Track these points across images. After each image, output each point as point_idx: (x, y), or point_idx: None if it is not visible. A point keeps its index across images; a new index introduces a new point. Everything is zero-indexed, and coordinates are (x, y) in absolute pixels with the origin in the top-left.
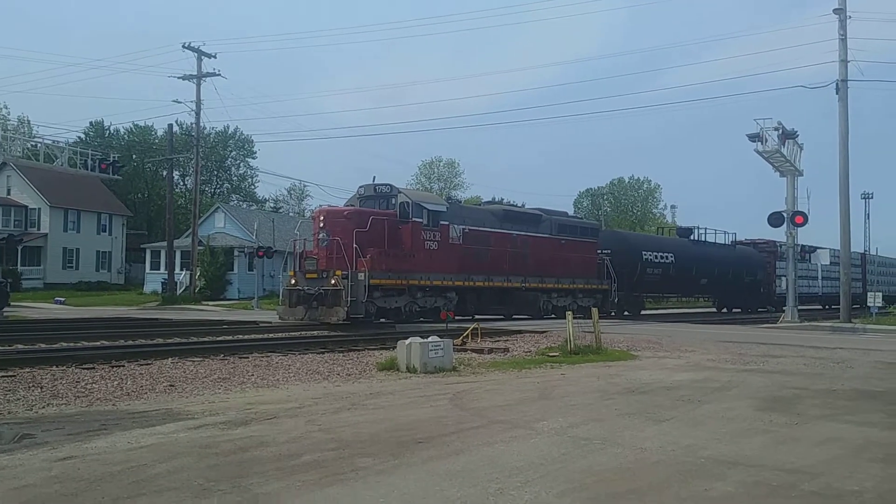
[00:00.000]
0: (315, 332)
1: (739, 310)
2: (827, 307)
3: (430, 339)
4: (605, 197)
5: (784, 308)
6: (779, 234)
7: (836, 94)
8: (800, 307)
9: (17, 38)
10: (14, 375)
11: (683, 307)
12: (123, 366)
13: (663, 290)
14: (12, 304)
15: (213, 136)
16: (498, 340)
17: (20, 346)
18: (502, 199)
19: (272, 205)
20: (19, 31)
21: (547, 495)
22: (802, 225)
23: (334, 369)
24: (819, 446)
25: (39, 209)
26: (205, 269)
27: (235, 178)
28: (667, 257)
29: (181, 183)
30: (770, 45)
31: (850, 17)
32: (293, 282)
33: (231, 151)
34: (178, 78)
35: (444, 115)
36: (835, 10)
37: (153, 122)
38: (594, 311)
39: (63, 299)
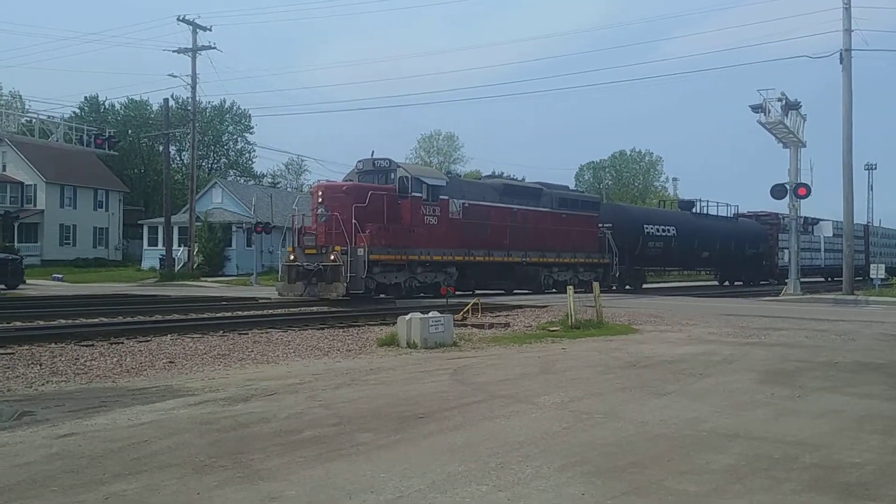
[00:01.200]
0: (314, 308)
1: (742, 283)
2: (829, 279)
3: (430, 314)
4: (607, 170)
5: (786, 281)
6: (781, 207)
7: (840, 63)
8: (802, 280)
9: (6, 12)
10: (13, 353)
11: (685, 281)
12: (122, 343)
13: (665, 264)
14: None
15: (210, 111)
16: (498, 315)
17: (18, 324)
18: (502, 173)
19: (270, 180)
20: (9, 3)
21: (548, 469)
22: (805, 197)
23: (334, 345)
24: (820, 418)
25: (35, 185)
26: (203, 245)
27: (233, 153)
28: (668, 230)
29: (178, 158)
30: (774, 14)
31: None
32: (292, 257)
33: (228, 126)
34: (174, 52)
35: (443, 87)
36: None
37: (149, 97)
38: (595, 285)
39: (61, 276)
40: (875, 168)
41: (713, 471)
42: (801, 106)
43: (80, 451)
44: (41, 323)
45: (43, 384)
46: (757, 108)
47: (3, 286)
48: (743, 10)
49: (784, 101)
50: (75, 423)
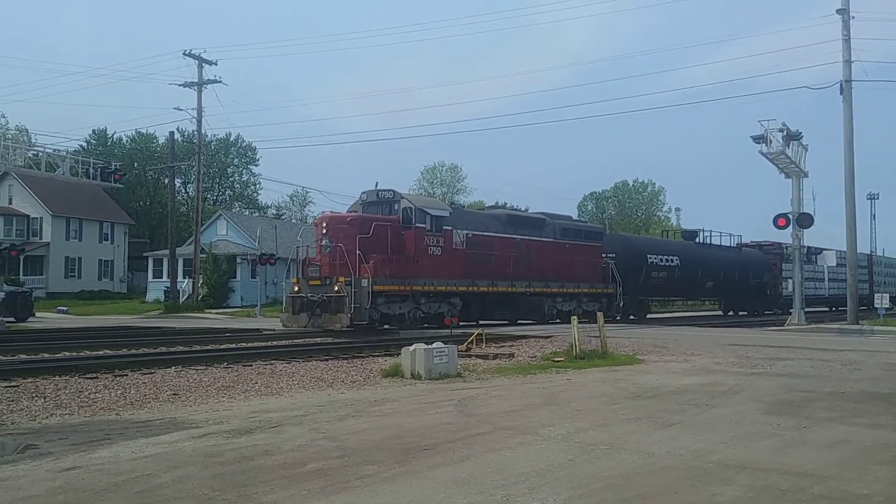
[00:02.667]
0: (319, 339)
1: (746, 312)
2: (834, 309)
3: (434, 345)
4: (610, 200)
5: (791, 310)
6: (785, 236)
7: (841, 94)
8: (806, 309)
9: (13, 47)
10: (17, 386)
11: (689, 310)
12: (127, 375)
13: (669, 294)
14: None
15: (215, 144)
16: (503, 346)
17: (23, 356)
18: (505, 204)
19: (274, 211)
20: (16, 39)
21: (554, 501)
22: (808, 227)
23: (338, 376)
24: (827, 449)
25: (41, 218)
26: (207, 276)
27: (238, 185)
28: (672, 260)
29: (183, 191)
30: (774, 47)
31: (853, 17)
32: (296, 289)
33: (233, 159)
34: (180, 85)
35: (447, 119)
36: (838, 11)
37: (155, 130)
38: (599, 315)
39: (66, 308)
40: (877, 198)
41: (720, 503)
42: (802, 136)
43: (83, 484)
44: (45, 355)
45: (47, 417)
46: (758, 139)
47: (12, 319)
48: (746, 42)
49: (785, 132)
50: (79, 456)
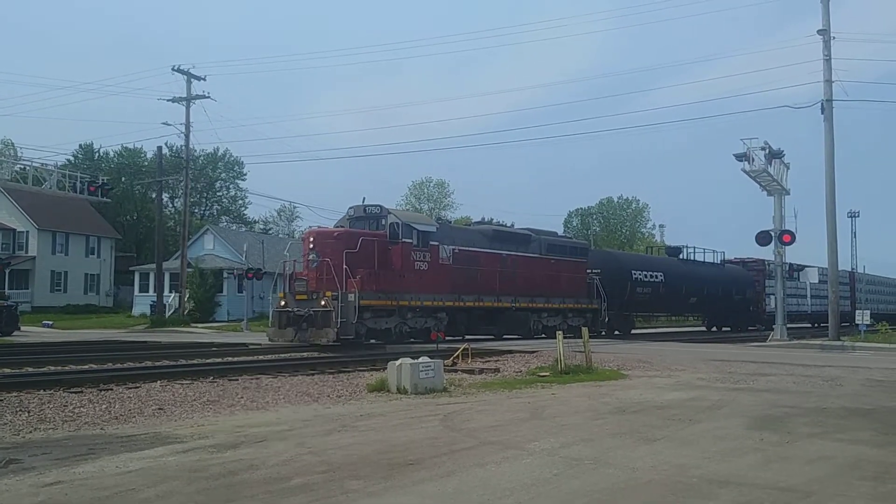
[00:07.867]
0: (305, 354)
1: (729, 328)
2: (816, 325)
3: (420, 359)
4: (594, 216)
5: (773, 326)
6: (767, 253)
7: (822, 113)
8: (789, 325)
9: (1, 61)
10: (1, 400)
11: (673, 326)
12: (111, 389)
13: (653, 309)
14: None
15: (203, 158)
16: (488, 361)
17: (7, 370)
18: (492, 220)
19: (262, 226)
20: (4, 53)
21: None
22: (790, 243)
23: (324, 391)
24: (810, 464)
25: (27, 232)
26: (194, 291)
27: (225, 199)
28: (656, 276)
29: (170, 205)
30: (756, 66)
31: (834, 37)
32: (283, 303)
33: (221, 173)
34: (168, 100)
35: (433, 136)
36: (819, 31)
37: (142, 145)
38: (584, 330)
39: (51, 322)
40: (858, 215)
41: None
42: (784, 154)
43: (66, 499)
44: (30, 369)
45: (30, 431)
46: (741, 157)
47: None
48: (727, 61)
49: (767, 150)
50: (62, 471)
